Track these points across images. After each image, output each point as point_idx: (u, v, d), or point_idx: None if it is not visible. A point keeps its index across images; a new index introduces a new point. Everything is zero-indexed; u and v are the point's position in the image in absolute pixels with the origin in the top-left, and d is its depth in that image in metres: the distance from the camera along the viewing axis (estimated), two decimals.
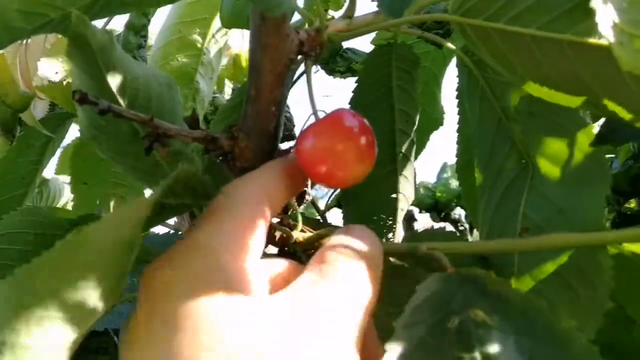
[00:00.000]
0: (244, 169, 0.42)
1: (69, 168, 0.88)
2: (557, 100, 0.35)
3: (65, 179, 1.12)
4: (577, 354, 0.26)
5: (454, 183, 1.42)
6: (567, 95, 0.34)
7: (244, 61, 0.91)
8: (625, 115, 0.32)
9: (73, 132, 0.95)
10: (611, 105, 0.32)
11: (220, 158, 0.42)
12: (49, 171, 1.07)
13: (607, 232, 0.36)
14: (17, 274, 0.23)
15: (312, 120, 0.40)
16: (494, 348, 0.26)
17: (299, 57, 0.41)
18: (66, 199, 1.14)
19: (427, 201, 1.41)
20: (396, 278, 0.41)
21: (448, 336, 0.27)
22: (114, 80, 0.41)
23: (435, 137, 0.83)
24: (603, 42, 0.29)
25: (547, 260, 0.41)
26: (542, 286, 0.42)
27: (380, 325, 0.36)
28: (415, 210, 1.43)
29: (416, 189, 0.63)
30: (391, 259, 0.41)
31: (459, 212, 1.43)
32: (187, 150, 0.46)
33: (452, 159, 0.68)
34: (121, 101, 0.42)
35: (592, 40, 0.31)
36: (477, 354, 0.26)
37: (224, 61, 0.92)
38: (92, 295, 0.25)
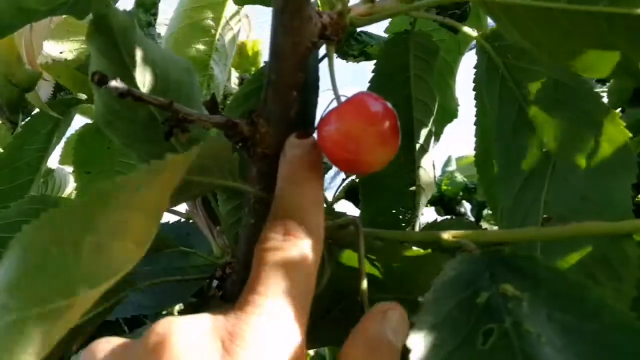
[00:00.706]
0: (264, 155, 0.41)
1: (72, 157, 0.87)
2: (588, 71, 0.35)
3: (70, 169, 1.11)
4: (610, 323, 0.25)
5: (460, 176, 1.41)
6: (598, 65, 0.34)
7: (250, 50, 0.90)
8: None
9: (76, 123, 0.95)
10: None
11: (240, 144, 0.41)
12: (53, 161, 1.07)
13: (634, 221, 0.36)
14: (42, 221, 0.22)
15: (334, 105, 0.39)
16: (525, 318, 0.26)
17: (321, 41, 0.40)
18: (71, 189, 1.13)
19: (432, 195, 1.39)
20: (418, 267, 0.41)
21: (477, 310, 0.27)
22: (133, 63, 0.40)
23: None
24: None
25: (571, 250, 0.41)
26: None
27: None
28: None
29: (434, 184, 0.62)
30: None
31: (464, 206, 1.43)
32: (204, 137, 0.45)
33: (456, 152, 0.67)
34: (140, 85, 0.41)
35: (628, 9, 0.30)
36: (507, 324, 0.26)
37: None
38: (111, 257, 0.25)
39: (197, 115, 0.38)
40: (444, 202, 1.41)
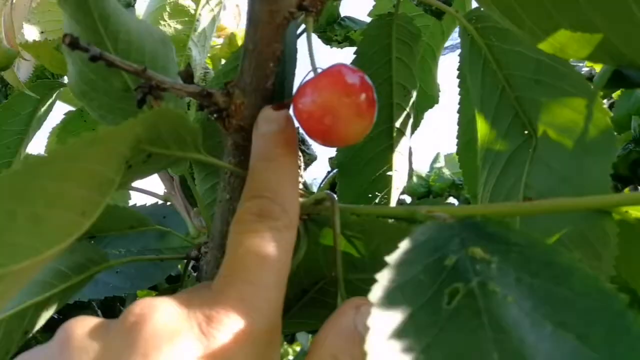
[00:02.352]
0: (240, 127, 0.40)
1: (55, 143, 0.86)
2: (568, 53, 0.34)
3: None
4: (578, 286, 0.25)
5: (447, 172, 1.41)
6: (579, 46, 0.33)
7: (240, 40, 0.89)
8: None
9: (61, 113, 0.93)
10: (631, 51, 0.30)
11: (215, 115, 0.40)
12: (38, 149, 1.05)
13: (610, 195, 0.36)
14: None
15: (311, 77, 0.39)
16: (492, 279, 0.25)
17: (300, 13, 0.40)
18: None
19: (420, 190, 1.40)
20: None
21: (444, 272, 0.26)
22: (107, 31, 0.39)
23: (428, 126, 0.82)
24: None
25: (550, 230, 0.40)
26: None
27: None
28: (408, 199, 1.42)
29: (409, 176, 0.62)
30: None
31: (452, 202, 1.42)
32: (181, 108, 0.44)
33: (445, 149, 0.67)
34: (114, 53, 0.40)
35: None
36: (473, 284, 0.25)
37: (219, 41, 0.91)
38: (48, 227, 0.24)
39: (171, 84, 0.38)
40: (431, 197, 1.41)
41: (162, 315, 0.28)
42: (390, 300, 0.25)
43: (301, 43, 0.47)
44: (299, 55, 0.43)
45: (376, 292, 0.25)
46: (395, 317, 0.24)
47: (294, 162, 0.38)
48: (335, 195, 0.41)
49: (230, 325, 0.28)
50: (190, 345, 0.27)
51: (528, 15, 0.35)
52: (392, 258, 0.27)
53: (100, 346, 0.27)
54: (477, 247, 0.27)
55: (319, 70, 0.38)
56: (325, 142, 0.39)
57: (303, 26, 0.42)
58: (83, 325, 0.28)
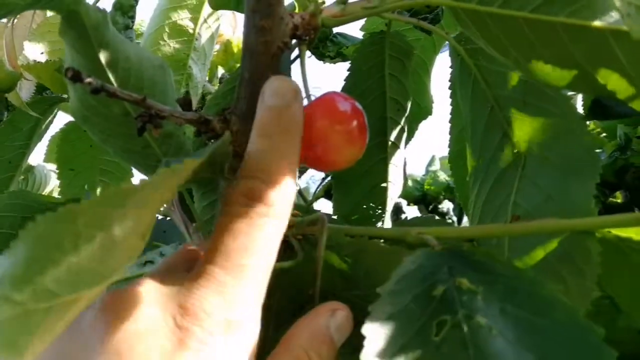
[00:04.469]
0: (236, 152, 0.41)
1: (56, 154, 0.88)
2: (549, 81, 0.35)
3: (52, 166, 1.11)
4: (559, 319, 0.26)
5: (443, 176, 1.43)
6: (560, 76, 0.35)
7: (235, 47, 0.91)
8: (620, 94, 0.33)
9: (61, 120, 0.95)
10: (609, 84, 0.32)
11: (212, 141, 0.42)
12: (35, 158, 1.06)
13: (594, 218, 0.37)
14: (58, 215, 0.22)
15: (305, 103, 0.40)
16: (478, 311, 0.27)
17: (293, 41, 0.41)
18: (52, 186, 1.13)
19: (415, 194, 1.42)
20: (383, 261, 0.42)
21: (433, 303, 0.28)
22: (107, 59, 0.40)
23: (423, 129, 0.83)
24: (597, 23, 0.30)
25: (537, 248, 0.42)
26: None
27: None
28: (403, 202, 1.44)
29: (405, 181, 0.64)
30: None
31: (447, 205, 1.44)
32: (179, 133, 0.46)
33: (440, 152, 0.69)
34: (113, 81, 0.41)
35: (586, 22, 0.31)
36: (460, 316, 0.27)
37: (216, 47, 0.92)
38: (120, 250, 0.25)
39: (170, 111, 0.39)
40: (426, 201, 1.43)
41: (135, 307, 0.26)
42: (382, 331, 0.26)
43: (295, 65, 0.48)
44: (293, 75, 0.44)
45: (369, 325, 0.27)
46: (387, 350, 0.26)
47: (295, 142, 0.35)
48: (329, 214, 0.42)
49: (205, 319, 0.27)
50: (164, 339, 0.26)
51: (513, 45, 0.36)
52: (384, 288, 0.29)
53: (69, 338, 0.26)
54: (464, 277, 0.29)
55: (312, 97, 0.40)
56: (318, 168, 0.41)
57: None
58: None
